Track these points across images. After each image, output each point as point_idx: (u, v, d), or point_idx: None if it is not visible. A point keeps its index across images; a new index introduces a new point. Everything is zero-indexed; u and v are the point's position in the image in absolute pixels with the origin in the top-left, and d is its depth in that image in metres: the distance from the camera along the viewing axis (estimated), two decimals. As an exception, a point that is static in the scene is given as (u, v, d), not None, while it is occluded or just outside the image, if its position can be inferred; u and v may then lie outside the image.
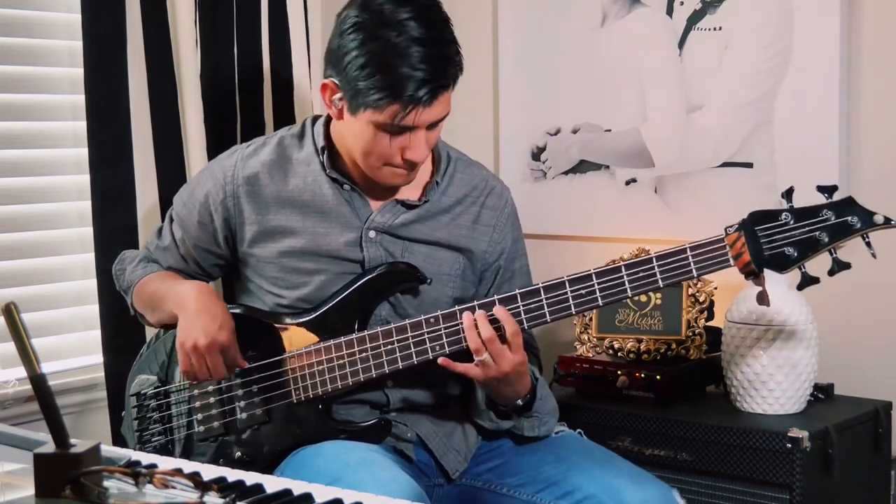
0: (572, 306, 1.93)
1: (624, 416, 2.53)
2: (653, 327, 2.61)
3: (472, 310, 1.93)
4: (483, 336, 1.90)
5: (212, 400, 2.05)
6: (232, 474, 1.42)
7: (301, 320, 2.05)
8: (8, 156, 2.45)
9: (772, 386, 2.44)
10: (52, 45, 2.50)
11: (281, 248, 2.07)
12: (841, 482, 2.40)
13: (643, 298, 2.64)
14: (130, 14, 2.46)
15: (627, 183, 3.00)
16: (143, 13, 2.48)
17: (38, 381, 1.22)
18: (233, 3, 2.65)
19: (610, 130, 3.02)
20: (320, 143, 2.09)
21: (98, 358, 2.49)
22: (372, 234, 2.07)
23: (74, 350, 2.56)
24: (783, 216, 1.88)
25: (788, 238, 1.86)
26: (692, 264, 1.90)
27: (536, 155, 3.15)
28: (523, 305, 1.94)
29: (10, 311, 1.20)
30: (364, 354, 1.98)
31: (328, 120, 2.10)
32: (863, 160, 2.67)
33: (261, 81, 2.72)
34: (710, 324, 2.64)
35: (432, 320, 1.97)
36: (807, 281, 1.87)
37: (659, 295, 2.64)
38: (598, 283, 1.92)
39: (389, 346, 1.98)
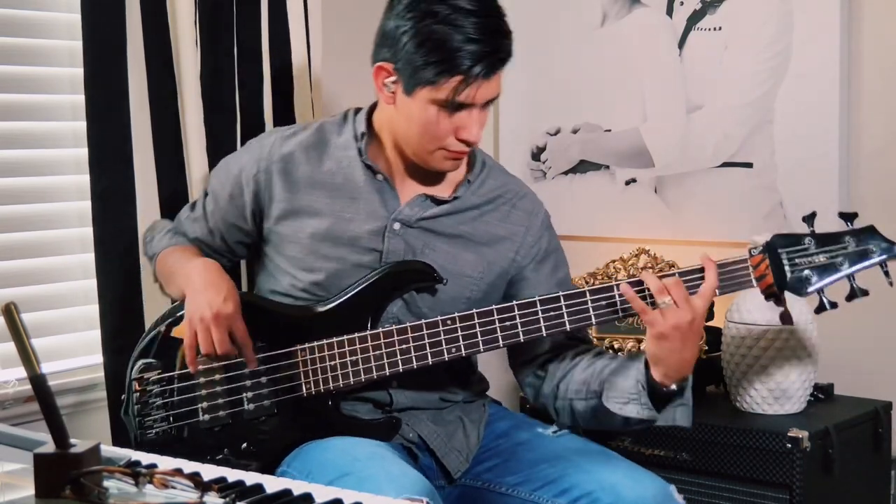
0: (592, 316, 1.94)
1: (624, 416, 2.53)
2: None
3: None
4: (664, 280, 1.85)
5: (218, 389, 2.04)
6: (232, 474, 1.42)
7: (313, 312, 2.05)
8: (8, 156, 2.44)
9: (772, 386, 2.44)
10: (52, 45, 2.50)
11: (305, 228, 2.08)
12: (841, 482, 2.40)
13: (643, 298, 2.64)
14: (130, 14, 2.45)
15: (627, 183, 3.00)
16: (143, 13, 2.48)
17: (38, 381, 1.22)
18: (233, 3, 2.64)
19: (610, 130, 3.02)
20: (360, 129, 2.10)
21: (98, 358, 2.48)
22: (397, 225, 2.07)
23: (74, 350, 2.56)
24: (805, 241, 1.91)
25: (810, 263, 1.90)
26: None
27: (536, 155, 3.16)
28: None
29: (10, 311, 1.20)
30: (378, 352, 1.98)
31: (371, 110, 2.12)
32: (862, 160, 2.68)
33: (261, 81, 2.72)
34: (710, 324, 2.64)
35: (449, 321, 1.96)
36: (825, 306, 1.91)
37: (659, 295, 2.64)
38: (620, 296, 1.92)
39: (404, 346, 1.97)
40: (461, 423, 2.13)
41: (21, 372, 2.08)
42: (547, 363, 2.11)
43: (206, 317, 1.97)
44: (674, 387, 1.91)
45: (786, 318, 1.99)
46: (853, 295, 1.90)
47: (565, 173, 3.11)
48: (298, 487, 1.36)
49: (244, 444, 2.02)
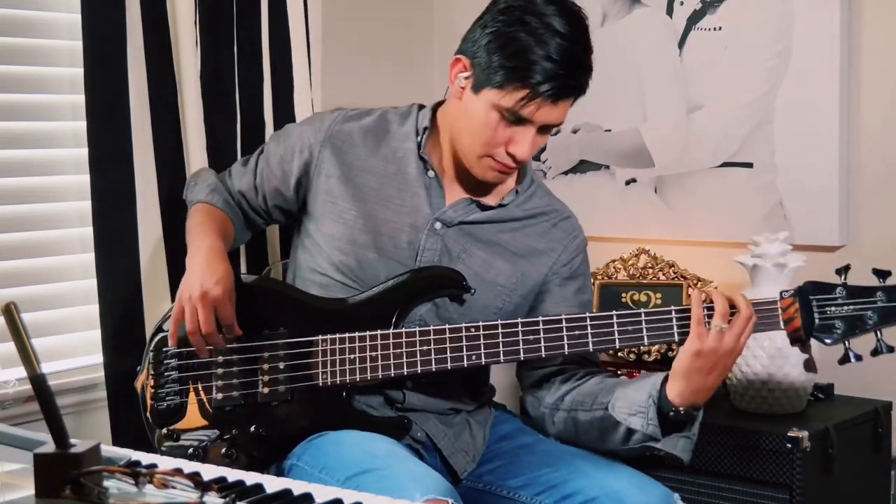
0: (617, 340, 1.93)
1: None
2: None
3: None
4: (740, 310, 1.87)
5: (235, 369, 2.05)
6: (232, 474, 1.42)
7: (340, 305, 2.05)
8: (8, 156, 2.44)
9: (772, 386, 2.44)
10: (52, 45, 2.50)
11: (349, 209, 2.10)
12: (841, 482, 2.40)
13: (643, 298, 2.64)
14: (130, 14, 2.45)
15: (627, 183, 3.00)
16: (143, 13, 2.48)
17: (38, 381, 1.22)
18: (233, 3, 2.64)
19: (610, 130, 3.02)
20: (424, 123, 2.12)
21: (98, 358, 2.48)
22: (438, 225, 2.08)
23: (74, 350, 2.56)
24: (837, 290, 1.92)
25: (839, 312, 1.91)
26: None
27: (536, 155, 3.16)
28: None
29: (10, 311, 1.20)
30: (398, 351, 1.98)
31: (436, 107, 2.14)
32: (862, 160, 2.68)
33: (261, 81, 2.71)
34: (710, 324, 2.63)
35: (473, 328, 1.96)
36: (849, 358, 1.92)
37: (659, 295, 2.64)
38: (647, 324, 1.92)
39: (426, 348, 1.97)
40: (467, 425, 2.13)
41: (21, 372, 2.08)
42: (554, 376, 2.10)
43: (194, 296, 1.99)
44: (682, 410, 1.89)
45: (810, 366, 2.00)
46: (878, 350, 1.92)
47: (565, 173, 3.11)
48: (298, 487, 1.36)
49: (253, 427, 2.03)
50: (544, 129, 2.00)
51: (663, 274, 2.75)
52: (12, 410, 2.38)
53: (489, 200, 2.11)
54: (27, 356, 1.21)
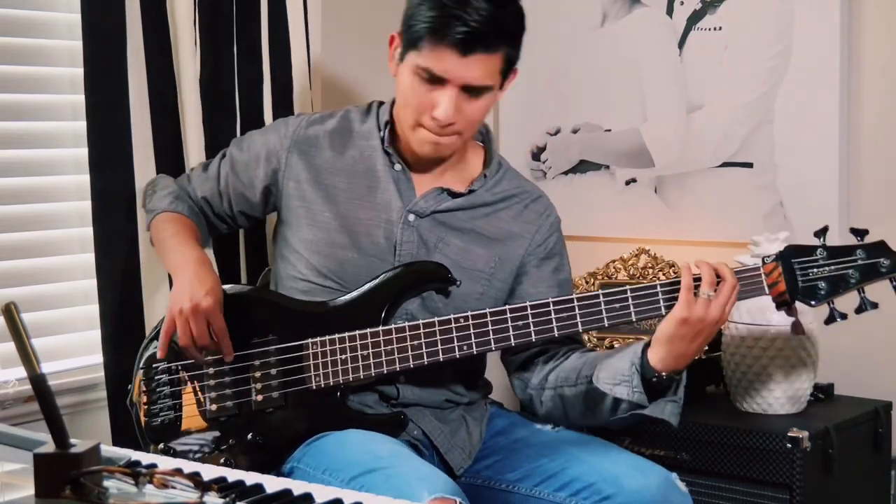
0: (605, 319, 1.95)
1: (624, 416, 2.53)
2: (653, 327, 2.61)
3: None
4: (724, 276, 1.89)
5: (227, 379, 2.05)
6: (232, 474, 1.42)
7: (326, 307, 2.06)
8: (8, 156, 2.44)
9: (772, 386, 2.44)
10: (52, 45, 2.50)
11: (322, 212, 2.11)
12: (841, 482, 2.40)
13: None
14: (130, 14, 2.45)
15: (627, 183, 3.00)
16: (143, 13, 2.48)
17: (38, 381, 1.22)
18: (233, 3, 2.64)
19: (610, 130, 3.02)
20: (385, 118, 2.13)
21: (98, 358, 2.48)
22: (412, 217, 2.08)
23: (74, 350, 2.56)
24: (818, 252, 1.95)
25: (821, 274, 1.94)
26: None
27: (536, 155, 3.16)
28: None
29: (10, 311, 1.20)
30: (389, 347, 1.98)
31: (394, 101, 2.14)
32: (862, 160, 2.68)
33: (261, 81, 2.71)
34: (710, 324, 2.63)
35: (462, 319, 1.97)
36: (835, 317, 1.95)
37: (659, 295, 2.64)
38: (633, 301, 1.94)
39: (416, 342, 1.98)
40: (464, 421, 2.13)
41: (21, 372, 2.08)
42: (537, 356, 2.11)
43: (185, 308, 2.00)
44: (664, 375, 1.91)
45: (798, 327, 2.02)
46: (863, 307, 1.95)
47: (565, 173, 3.11)
48: (298, 487, 1.36)
49: (250, 435, 2.03)
50: (471, 92, 1.98)
51: (663, 274, 2.75)
52: (12, 410, 2.38)
53: (458, 187, 2.12)
54: (27, 356, 1.21)
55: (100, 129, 2.44)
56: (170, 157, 2.53)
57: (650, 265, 2.75)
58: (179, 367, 2.07)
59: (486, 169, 2.14)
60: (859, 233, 1.95)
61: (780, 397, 2.44)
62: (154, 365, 2.09)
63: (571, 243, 3.07)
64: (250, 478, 1.41)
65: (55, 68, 2.50)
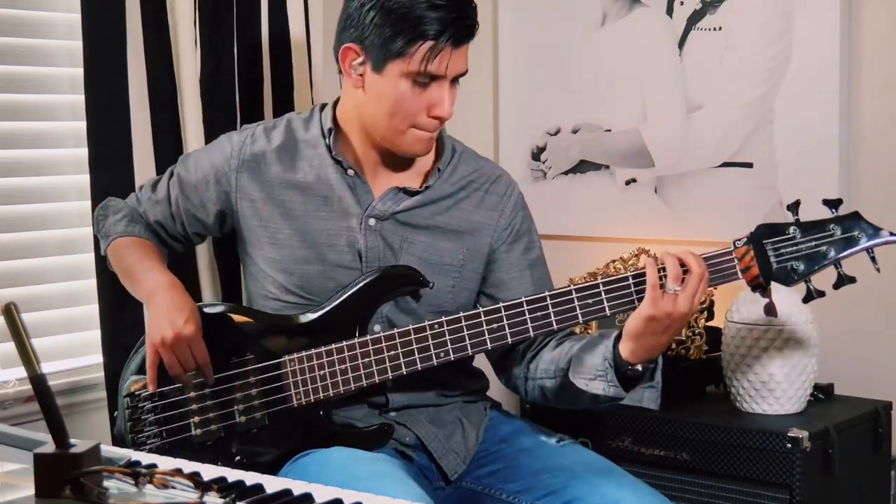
0: (579, 315, 1.93)
1: (624, 416, 2.53)
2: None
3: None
4: (692, 267, 1.87)
5: (209, 403, 2.04)
6: (232, 474, 1.42)
7: (300, 322, 2.05)
8: (8, 156, 2.45)
9: (772, 386, 2.44)
10: (52, 45, 2.50)
11: (282, 230, 2.08)
12: (841, 482, 2.40)
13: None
14: (130, 14, 2.46)
15: (627, 183, 3.00)
16: (143, 13, 2.48)
17: (38, 381, 1.22)
18: (233, 3, 2.65)
19: (610, 130, 3.02)
20: (327, 125, 2.09)
21: (98, 358, 2.49)
22: (372, 221, 2.06)
23: (74, 350, 2.56)
24: (790, 230, 1.90)
25: (795, 252, 1.89)
26: None
27: (536, 155, 3.16)
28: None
29: (10, 311, 1.20)
30: (367, 359, 1.97)
31: (335, 104, 2.12)
32: (862, 160, 2.68)
33: (261, 81, 2.72)
34: (710, 324, 2.64)
35: (437, 325, 1.95)
36: (812, 294, 1.90)
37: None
38: (606, 293, 1.92)
39: (393, 352, 1.96)
40: (460, 424, 2.12)
41: (21, 372, 2.08)
42: (516, 345, 2.10)
43: (167, 339, 1.97)
44: (639, 367, 1.91)
45: (770, 309, 1.97)
46: (840, 282, 1.89)
47: (565, 173, 3.11)
48: (298, 487, 1.36)
49: (237, 458, 2.02)
50: (455, 81, 2.00)
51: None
52: (12, 410, 2.39)
53: (414, 184, 2.09)
54: (27, 356, 1.21)
55: (100, 129, 2.45)
56: (170, 157, 2.53)
57: (650, 265, 2.75)
58: (161, 395, 2.05)
59: (440, 161, 2.10)
60: (833, 204, 1.90)
61: (779, 397, 2.44)
62: (137, 392, 2.07)
63: (571, 243, 3.09)
64: (250, 478, 1.41)
65: (55, 68, 2.51)
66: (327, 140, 2.08)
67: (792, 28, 2.70)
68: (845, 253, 1.88)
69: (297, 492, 1.34)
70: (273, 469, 1.98)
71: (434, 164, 2.11)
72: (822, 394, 2.57)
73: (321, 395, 1.99)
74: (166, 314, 1.99)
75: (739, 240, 1.93)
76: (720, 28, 2.82)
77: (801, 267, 1.88)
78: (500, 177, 2.17)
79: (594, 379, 1.95)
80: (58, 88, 2.51)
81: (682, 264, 1.88)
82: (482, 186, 2.14)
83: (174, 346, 1.97)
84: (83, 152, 2.45)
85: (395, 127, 1.99)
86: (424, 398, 2.10)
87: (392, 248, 2.07)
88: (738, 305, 2.50)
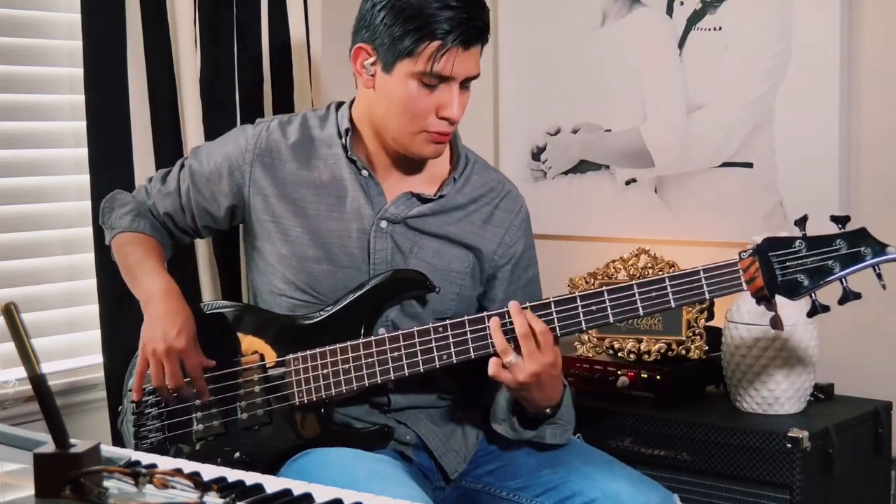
0: (583, 322, 1.93)
1: (624, 417, 2.53)
2: (653, 328, 2.61)
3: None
4: (518, 331, 1.88)
5: (213, 398, 2.04)
6: (232, 474, 1.42)
7: (307, 322, 2.05)
8: (8, 156, 2.45)
9: (772, 386, 2.44)
10: (52, 45, 2.50)
11: (294, 226, 2.08)
12: (841, 482, 2.40)
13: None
14: (130, 14, 2.46)
15: (627, 183, 3.00)
16: (143, 13, 2.48)
17: (38, 381, 1.22)
18: (233, 3, 2.65)
19: (610, 130, 3.02)
20: (344, 125, 2.09)
21: (98, 358, 2.49)
22: (384, 224, 2.06)
23: (74, 350, 2.56)
24: (796, 244, 1.90)
25: (801, 266, 1.89)
26: (705, 287, 1.90)
27: (536, 155, 3.16)
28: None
29: (10, 311, 1.20)
30: (370, 360, 1.97)
31: (352, 104, 2.11)
32: (862, 160, 2.68)
33: (261, 81, 2.72)
34: (710, 324, 2.64)
35: (441, 328, 1.95)
36: (817, 309, 1.90)
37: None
38: (610, 301, 1.92)
39: (396, 353, 1.96)
40: (460, 424, 2.12)
41: (21, 372, 2.08)
42: None
43: (158, 350, 1.97)
44: (548, 410, 1.96)
45: (776, 322, 1.98)
46: (846, 298, 1.88)
47: (565, 173, 3.11)
48: (298, 487, 1.36)
49: (237, 454, 2.02)
50: (465, 85, 1.99)
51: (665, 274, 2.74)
52: (12, 410, 2.39)
53: (428, 190, 2.09)
54: (27, 356, 1.21)
55: (100, 129, 2.45)
56: (170, 157, 2.54)
57: (650, 265, 2.74)
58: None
59: (455, 171, 2.11)
60: (840, 220, 1.90)
61: (779, 397, 2.44)
62: (142, 387, 2.06)
63: (571, 243, 3.09)
64: (250, 478, 1.41)
65: (55, 68, 2.51)
66: (343, 140, 2.08)
67: (792, 28, 2.70)
68: (850, 270, 1.88)
69: (297, 492, 1.34)
70: (273, 467, 1.98)
71: (450, 172, 2.11)
72: (822, 394, 2.57)
73: (323, 394, 1.99)
74: (160, 323, 1.98)
75: (745, 251, 1.92)
76: (720, 28, 2.82)
77: (807, 281, 1.88)
78: (510, 192, 2.18)
79: (503, 422, 2.02)
80: (58, 88, 2.51)
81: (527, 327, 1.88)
82: (492, 202, 2.14)
83: (164, 358, 1.97)
84: (83, 152, 2.46)
85: (404, 128, 1.99)
86: (425, 399, 2.10)
87: (402, 251, 2.07)
88: (738, 305, 2.50)
